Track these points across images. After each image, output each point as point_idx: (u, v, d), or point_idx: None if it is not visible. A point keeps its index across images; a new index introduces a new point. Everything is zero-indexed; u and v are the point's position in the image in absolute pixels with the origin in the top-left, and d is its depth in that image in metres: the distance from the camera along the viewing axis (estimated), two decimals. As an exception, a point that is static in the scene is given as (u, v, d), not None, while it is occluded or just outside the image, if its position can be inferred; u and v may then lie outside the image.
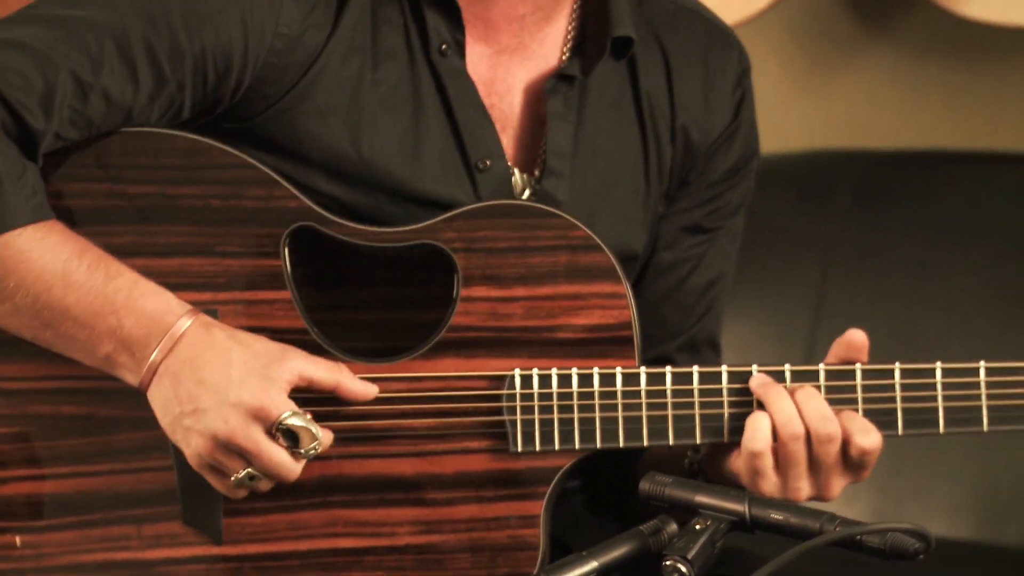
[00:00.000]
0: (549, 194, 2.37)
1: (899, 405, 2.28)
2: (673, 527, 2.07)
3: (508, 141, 2.40)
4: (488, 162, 2.37)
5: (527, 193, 2.40)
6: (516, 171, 2.40)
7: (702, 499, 2.07)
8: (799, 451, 2.25)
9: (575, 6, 2.42)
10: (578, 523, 2.45)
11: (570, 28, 2.42)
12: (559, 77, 2.37)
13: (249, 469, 2.24)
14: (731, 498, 2.08)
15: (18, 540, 2.32)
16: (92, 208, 2.31)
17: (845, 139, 4.08)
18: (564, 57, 2.40)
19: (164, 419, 2.25)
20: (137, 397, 2.26)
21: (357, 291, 2.36)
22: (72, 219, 2.29)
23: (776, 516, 2.05)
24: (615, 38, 2.36)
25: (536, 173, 2.40)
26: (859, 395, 2.28)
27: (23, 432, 2.33)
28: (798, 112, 4.00)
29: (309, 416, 2.24)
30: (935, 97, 4.16)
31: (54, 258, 2.24)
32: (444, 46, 2.35)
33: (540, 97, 2.39)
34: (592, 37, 2.39)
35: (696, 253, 2.50)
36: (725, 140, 2.47)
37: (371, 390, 2.27)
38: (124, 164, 2.32)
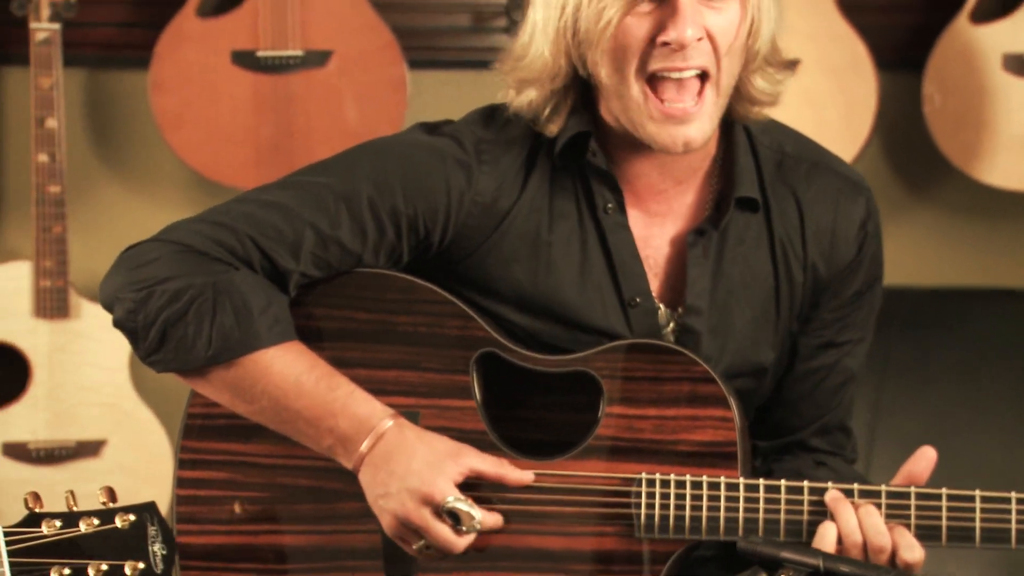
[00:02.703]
0: (689, 326, 2.37)
1: (944, 523, 2.25)
2: None
3: (657, 283, 2.39)
4: (638, 299, 2.37)
5: (671, 325, 2.39)
6: (662, 307, 2.39)
7: (786, 555, 2.12)
8: (857, 556, 2.24)
9: (713, 173, 2.41)
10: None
11: (710, 191, 2.41)
12: (697, 232, 2.37)
13: (423, 541, 2.29)
14: (809, 554, 2.12)
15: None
16: (332, 328, 2.37)
17: (898, 278, 3.96)
18: (706, 214, 2.39)
19: (368, 497, 2.29)
20: (353, 476, 2.31)
21: (527, 402, 2.39)
22: (319, 335, 2.36)
23: (845, 569, 2.11)
24: (738, 198, 2.37)
25: (680, 309, 2.38)
26: (912, 513, 2.25)
27: (272, 497, 2.38)
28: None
29: (470, 501, 2.27)
30: (966, 245, 4.22)
31: (290, 372, 2.29)
32: (609, 206, 2.36)
33: (684, 247, 2.39)
34: (726, 197, 2.38)
35: (828, 363, 2.46)
36: (849, 272, 2.43)
37: (527, 477, 2.30)
38: (357, 296, 2.37)
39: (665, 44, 2.23)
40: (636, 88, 2.26)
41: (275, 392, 2.29)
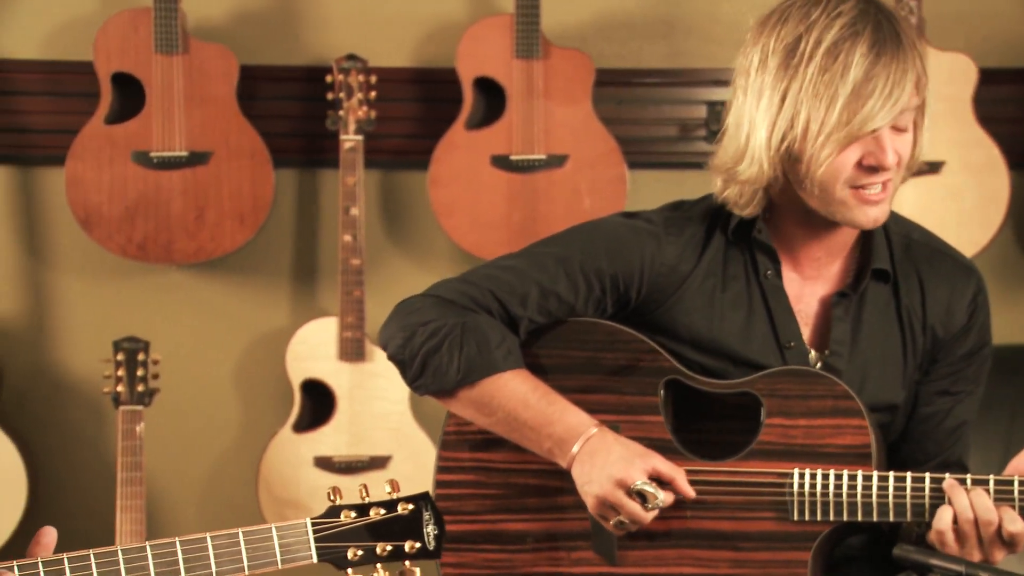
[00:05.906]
0: (833, 366, 2.40)
1: None
2: None
3: (807, 332, 2.42)
4: (792, 344, 2.40)
5: (818, 365, 2.40)
6: (812, 350, 2.42)
7: (935, 562, 2.12)
8: (970, 530, 2.24)
9: (856, 248, 2.44)
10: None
11: (852, 263, 2.44)
12: (840, 295, 2.41)
13: (619, 517, 2.31)
14: (954, 562, 2.12)
15: None
16: (553, 364, 2.42)
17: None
18: (848, 281, 2.43)
19: (577, 486, 2.34)
20: (566, 474, 2.34)
21: (703, 417, 2.41)
22: (543, 369, 2.41)
23: (983, 574, 2.09)
24: (874, 269, 2.41)
25: (825, 352, 2.40)
26: (1016, 497, 2.23)
27: (507, 493, 2.42)
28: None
29: (654, 485, 2.30)
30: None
31: (519, 390, 2.35)
32: (768, 272, 2.41)
33: (829, 306, 2.42)
34: (864, 269, 2.42)
35: (945, 408, 2.46)
36: (962, 335, 2.44)
37: (690, 494, 2.32)
38: (572, 339, 2.41)
39: (870, 167, 2.29)
40: (842, 195, 2.30)
41: (508, 406, 2.35)
